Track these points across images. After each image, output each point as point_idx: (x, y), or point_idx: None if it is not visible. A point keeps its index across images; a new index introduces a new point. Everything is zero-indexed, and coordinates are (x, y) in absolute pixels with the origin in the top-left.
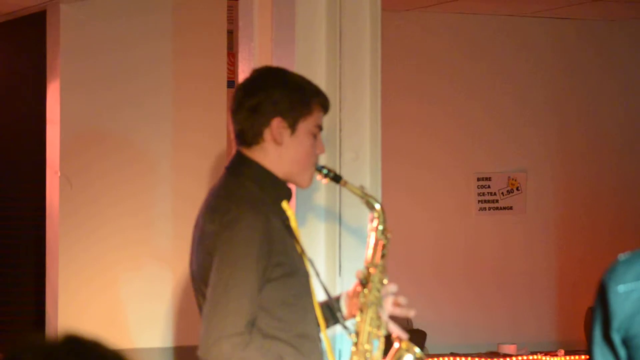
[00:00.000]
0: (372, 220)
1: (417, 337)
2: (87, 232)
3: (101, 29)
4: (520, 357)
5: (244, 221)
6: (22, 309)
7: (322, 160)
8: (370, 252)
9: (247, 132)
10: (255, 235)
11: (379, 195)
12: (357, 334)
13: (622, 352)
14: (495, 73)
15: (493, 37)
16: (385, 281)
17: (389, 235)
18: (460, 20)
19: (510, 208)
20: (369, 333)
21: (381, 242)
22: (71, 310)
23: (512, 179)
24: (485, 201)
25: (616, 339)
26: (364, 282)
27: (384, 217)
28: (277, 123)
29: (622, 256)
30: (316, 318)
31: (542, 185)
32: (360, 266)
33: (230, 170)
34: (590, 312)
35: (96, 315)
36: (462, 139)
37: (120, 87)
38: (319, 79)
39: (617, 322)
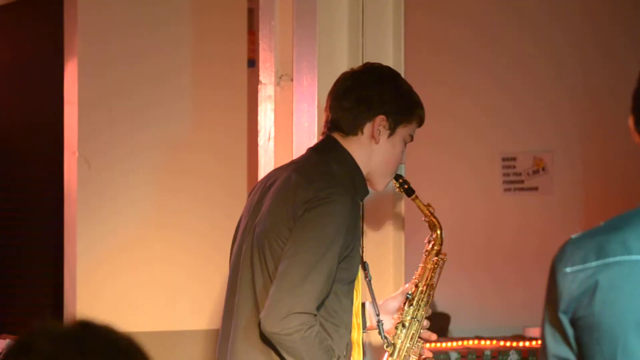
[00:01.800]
0: (429, 241)
1: (441, 320)
2: (106, 214)
3: (120, 7)
4: None
5: (339, 203)
6: (40, 292)
7: None
8: (422, 270)
9: (348, 121)
10: (346, 220)
11: (404, 172)
12: (394, 346)
13: (570, 332)
14: (522, 49)
15: (520, 12)
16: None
17: (444, 258)
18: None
19: (536, 189)
20: (408, 349)
21: (436, 262)
22: (89, 294)
23: (538, 159)
24: (510, 182)
25: (564, 320)
26: (411, 298)
27: (442, 240)
28: (380, 121)
29: (573, 237)
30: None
31: (569, 165)
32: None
33: (321, 152)
34: None
35: (115, 298)
36: (486, 118)
37: (139, 66)
38: (341, 56)
39: (564, 303)
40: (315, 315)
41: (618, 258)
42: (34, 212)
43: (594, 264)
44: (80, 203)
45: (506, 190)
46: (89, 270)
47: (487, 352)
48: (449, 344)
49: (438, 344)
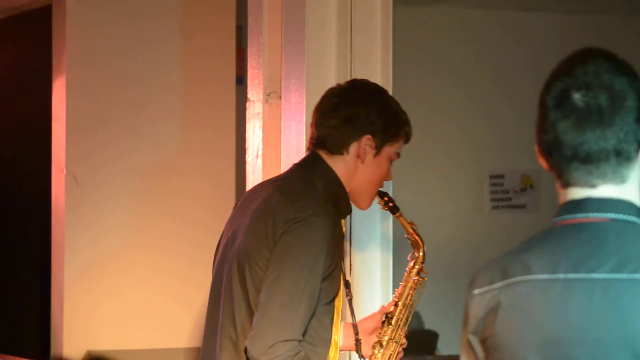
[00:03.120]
0: (411, 259)
1: (429, 338)
2: (94, 232)
3: (108, 24)
4: None
5: (320, 223)
6: (27, 309)
7: None
8: (402, 289)
9: (333, 140)
10: (328, 240)
11: (391, 190)
12: None
13: (479, 353)
14: (510, 68)
15: (506, 32)
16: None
17: (426, 277)
18: (473, 15)
19: (524, 206)
20: None
21: (417, 281)
22: (77, 311)
23: (526, 176)
24: (498, 199)
25: (473, 341)
26: (390, 317)
27: (424, 259)
28: (366, 140)
29: (486, 262)
30: (330, 339)
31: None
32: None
33: (304, 169)
34: None
35: (103, 315)
36: (473, 135)
37: (128, 83)
38: (330, 74)
39: (471, 325)
40: (301, 340)
41: (519, 278)
42: (22, 229)
43: (498, 284)
44: (68, 220)
45: (494, 208)
46: (77, 287)
47: None
48: None
49: None
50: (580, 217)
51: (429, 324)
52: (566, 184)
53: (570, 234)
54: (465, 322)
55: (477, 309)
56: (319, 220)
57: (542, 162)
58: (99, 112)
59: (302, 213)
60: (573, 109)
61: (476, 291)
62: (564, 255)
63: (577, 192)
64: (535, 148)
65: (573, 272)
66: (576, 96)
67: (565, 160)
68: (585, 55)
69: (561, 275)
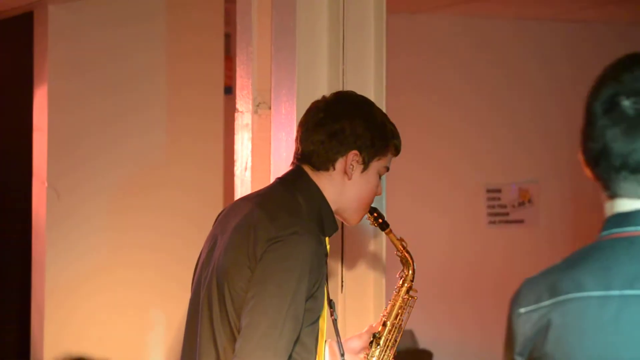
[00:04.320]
0: (400, 277)
1: (423, 357)
2: (75, 245)
3: (91, 31)
4: None
5: (302, 242)
6: (6, 324)
7: None
8: (391, 308)
9: (319, 155)
10: (310, 260)
11: (384, 205)
12: None
13: None
14: (507, 80)
15: (503, 42)
16: (398, 340)
17: (415, 296)
18: (469, 24)
19: (522, 221)
20: None
21: (406, 300)
22: (58, 324)
23: (524, 190)
24: (495, 214)
25: None
26: (378, 337)
27: (413, 277)
28: (353, 156)
29: (528, 278)
30: None
31: (556, 197)
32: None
33: (287, 185)
34: None
35: (84, 328)
36: (470, 149)
37: (112, 92)
38: (321, 84)
39: (519, 345)
40: None
41: (570, 295)
42: (1, 242)
43: (547, 302)
44: (49, 233)
45: (490, 222)
46: (58, 301)
47: None
48: None
49: None
50: (631, 230)
51: (423, 343)
52: (613, 195)
53: (620, 248)
54: (510, 343)
55: (525, 328)
56: (300, 239)
57: (587, 172)
58: (82, 122)
59: (284, 232)
60: (623, 116)
61: (522, 310)
62: (617, 270)
63: (626, 204)
64: (580, 157)
65: (629, 289)
66: (626, 103)
67: (613, 170)
68: (632, 61)
69: (616, 292)
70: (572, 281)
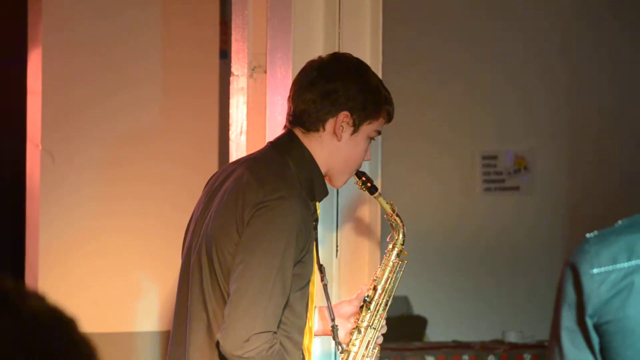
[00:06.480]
0: (390, 240)
1: (417, 323)
2: (69, 209)
3: None
4: (525, 346)
5: (289, 208)
6: None
7: None
8: (382, 271)
9: (310, 115)
10: (298, 224)
11: (378, 173)
12: (348, 353)
13: (594, 337)
14: (505, 45)
15: (500, 9)
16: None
17: (405, 259)
18: None
19: (517, 188)
20: (363, 356)
21: (396, 264)
22: (52, 292)
23: (520, 158)
24: (490, 181)
25: (590, 325)
26: (368, 301)
27: (403, 241)
28: (343, 117)
29: (590, 236)
30: (304, 326)
31: (552, 164)
32: (359, 244)
33: (278, 149)
34: None
35: (78, 295)
36: (466, 114)
37: (106, 55)
38: (317, 48)
39: (591, 307)
40: (275, 332)
41: None
42: None
43: (626, 264)
44: (43, 198)
45: (486, 190)
46: (52, 267)
47: (465, 357)
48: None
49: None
50: None
51: (417, 310)
52: None
53: None
54: (578, 304)
55: (600, 290)
56: (287, 204)
57: None
58: (76, 84)
59: (271, 196)
60: None
61: (595, 270)
62: None
63: None
64: None
65: None
66: None
67: None
68: None
69: None
70: None
